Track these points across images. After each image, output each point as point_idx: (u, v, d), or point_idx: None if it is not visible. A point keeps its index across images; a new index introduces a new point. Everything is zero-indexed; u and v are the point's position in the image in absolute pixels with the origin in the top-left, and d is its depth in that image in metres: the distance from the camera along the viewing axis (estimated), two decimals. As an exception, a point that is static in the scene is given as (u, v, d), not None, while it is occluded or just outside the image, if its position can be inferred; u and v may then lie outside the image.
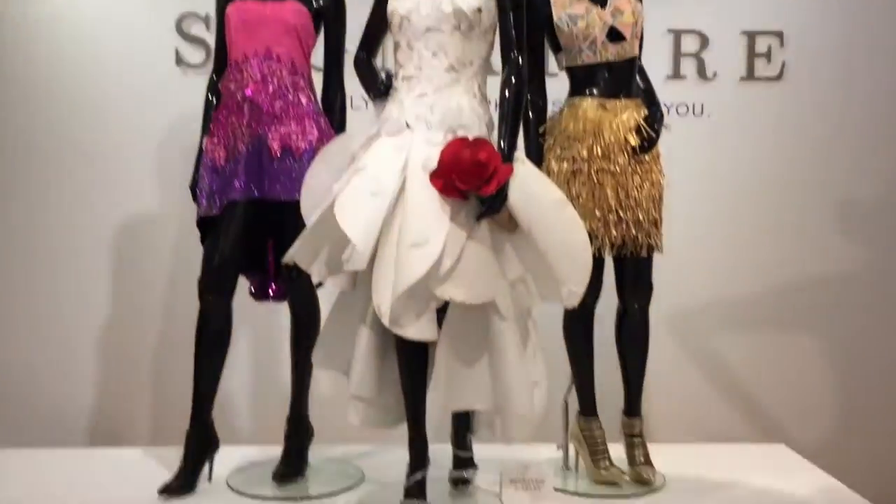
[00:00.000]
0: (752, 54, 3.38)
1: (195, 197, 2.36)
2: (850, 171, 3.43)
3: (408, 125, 2.06)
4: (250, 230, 2.31)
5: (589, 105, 2.32)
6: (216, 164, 2.29)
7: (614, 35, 2.29)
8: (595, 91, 2.32)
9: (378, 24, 2.22)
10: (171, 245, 3.22)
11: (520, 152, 2.13)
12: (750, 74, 3.39)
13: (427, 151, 2.01)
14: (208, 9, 3.04)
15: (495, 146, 2.02)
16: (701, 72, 3.38)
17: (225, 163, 2.28)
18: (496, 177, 1.95)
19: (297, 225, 2.14)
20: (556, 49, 2.37)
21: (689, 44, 3.37)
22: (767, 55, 3.38)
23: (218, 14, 2.41)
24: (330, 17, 2.39)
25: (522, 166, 2.08)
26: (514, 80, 2.09)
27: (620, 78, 2.33)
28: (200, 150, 2.38)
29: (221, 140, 2.30)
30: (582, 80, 2.34)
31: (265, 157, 2.27)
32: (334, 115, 2.42)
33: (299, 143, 2.28)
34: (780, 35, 3.38)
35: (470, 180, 1.93)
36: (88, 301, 3.25)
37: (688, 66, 3.38)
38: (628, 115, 2.31)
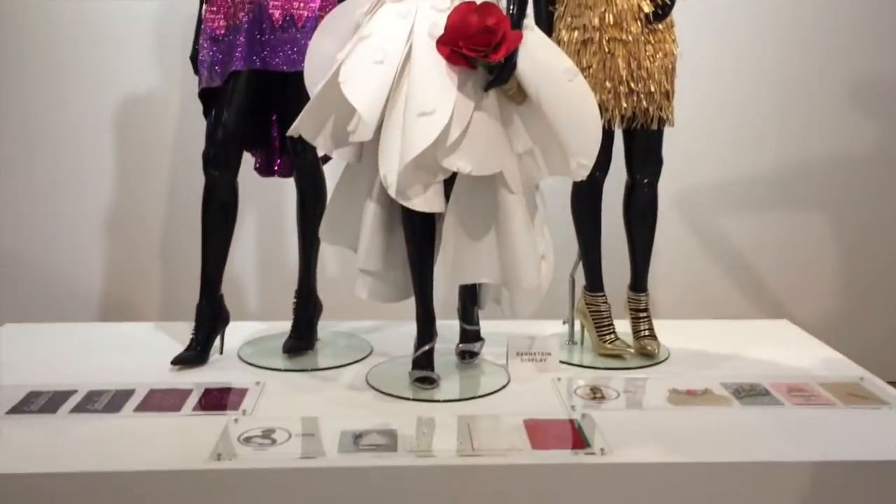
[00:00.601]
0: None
1: (196, 68, 2.31)
2: (868, 46, 3.33)
3: (413, -10, 1.99)
4: (253, 103, 2.26)
5: (601, -30, 2.23)
6: (216, 33, 2.22)
7: None
8: (608, -44, 2.23)
9: None
10: (174, 119, 3.18)
11: (529, 20, 2.06)
12: (769, -56, 3.26)
13: (433, 17, 1.94)
14: None
15: (503, 12, 1.96)
16: (718, -59, 3.24)
17: (225, 32, 2.21)
18: (505, 43, 1.88)
19: (301, 97, 2.10)
20: (568, -88, 2.26)
21: None
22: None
23: None
24: None
25: (532, 34, 2.02)
26: (524, -58, 2.00)
27: (635, -59, 2.23)
28: (199, 20, 2.31)
29: (221, 9, 2.23)
30: (595, -56, 2.25)
31: (266, 27, 2.19)
32: (336, -19, 2.33)
33: (301, 11, 2.21)
34: None
35: (477, 47, 1.87)
36: (94, 177, 3.22)
37: (705, -65, 3.23)
38: (642, -20, 2.22)
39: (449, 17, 1.90)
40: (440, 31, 1.91)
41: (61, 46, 3.16)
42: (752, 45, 3.29)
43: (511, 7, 1.98)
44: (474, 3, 1.91)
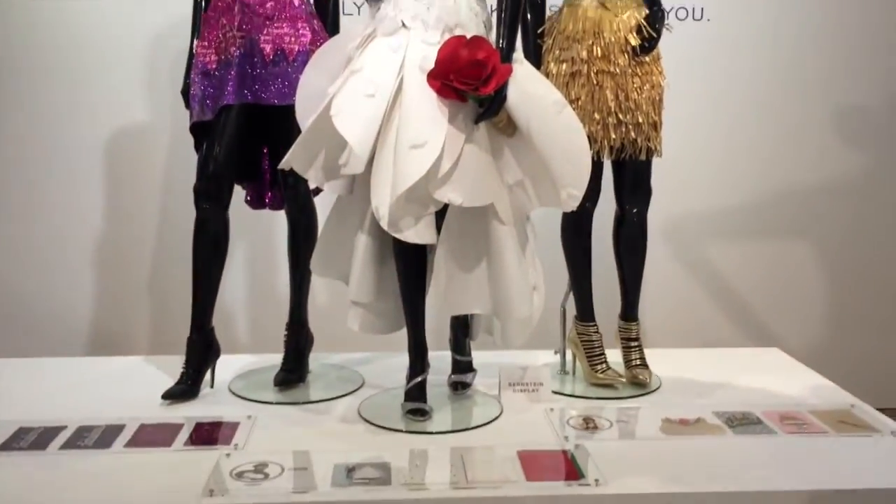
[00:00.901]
0: (752, -44, 3.31)
1: (187, 103, 2.32)
2: (850, 77, 3.40)
3: (404, 24, 2.01)
4: (244, 136, 2.27)
5: (589, 4, 2.26)
6: (207, 68, 2.24)
7: (615, -69, 2.22)
8: (595, -11, 2.27)
9: (372, -81, 2.14)
10: (164, 152, 3.19)
11: (518, 53, 2.08)
12: (749, -23, 3.33)
13: (424, 51, 1.96)
14: None
15: (493, 45, 1.98)
16: (701, -26, 3.30)
17: (216, 67, 2.23)
18: (495, 76, 1.90)
19: (292, 130, 2.11)
20: (555, -54, 2.31)
21: (690, -55, 3.29)
22: (768, -43, 3.31)
23: (204, -89, 2.32)
24: (320, -86, 2.31)
25: (521, 67, 2.04)
26: (512, -22, 2.03)
27: (621, -24, 2.27)
28: (191, 54, 2.33)
29: (212, 43, 2.24)
30: (582, -21, 2.28)
31: (258, 61, 2.21)
32: (327, 16, 2.36)
33: (292, 45, 2.23)
34: (780, -65, 3.30)
35: (468, 80, 1.89)
36: (84, 212, 3.23)
37: (687, -31, 3.30)
38: (629, 14, 2.26)
39: (439, 51, 1.92)
40: (431, 64, 1.93)
41: (52, 77, 3.17)
42: (736, 76, 3.35)
43: (501, 41, 2.00)
44: (464, 37, 1.94)
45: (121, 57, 3.16)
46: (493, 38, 2.04)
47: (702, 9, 3.31)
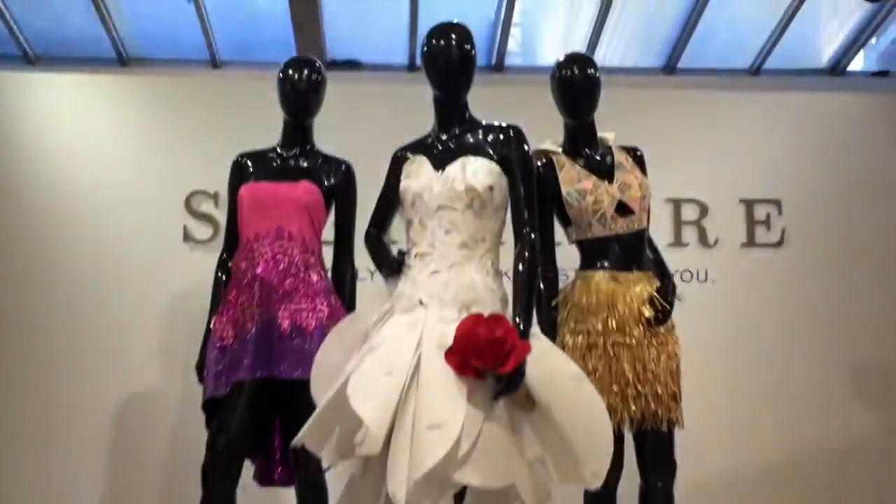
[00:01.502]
0: (751, 221, 3.46)
1: (201, 377, 2.30)
2: (856, 333, 3.42)
3: (421, 302, 2.03)
4: (257, 410, 2.24)
5: (601, 278, 2.31)
6: (224, 343, 2.25)
7: (623, 209, 2.31)
8: (606, 264, 2.32)
9: (389, 201, 2.23)
10: (171, 422, 3.13)
11: (534, 328, 2.09)
12: (751, 241, 3.46)
13: (441, 328, 1.96)
14: (217, 187, 3.11)
15: (510, 322, 1.99)
16: (702, 239, 3.42)
17: (233, 342, 2.24)
18: (513, 354, 1.89)
19: (305, 404, 2.07)
20: (566, 223, 2.39)
21: (689, 212, 3.44)
22: (767, 222, 3.46)
23: (230, 194, 2.44)
24: (341, 196, 2.43)
25: (539, 342, 2.04)
26: (527, 256, 2.07)
27: (630, 250, 2.34)
28: (208, 330, 2.34)
29: (230, 319, 2.27)
30: (592, 253, 2.34)
31: (274, 335, 2.23)
32: (344, 291, 2.40)
33: (309, 320, 2.25)
34: (777, 203, 3.46)
35: (486, 358, 1.88)
36: (82, 479, 3.10)
37: (689, 234, 3.43)
38: (641, 287, 2.30)
39: (457, 328, 1.92)
40: (448, 341, 1.92)
41: (67, 343, 3.17)
42: (747, 336, 3.36)
43: (517, 319, 2.00)
44: (482, 315, 1.95)
45: (136, 325, 3.19)
46: (509, 312, 2.05)
47: (706, 271, 3.40)
